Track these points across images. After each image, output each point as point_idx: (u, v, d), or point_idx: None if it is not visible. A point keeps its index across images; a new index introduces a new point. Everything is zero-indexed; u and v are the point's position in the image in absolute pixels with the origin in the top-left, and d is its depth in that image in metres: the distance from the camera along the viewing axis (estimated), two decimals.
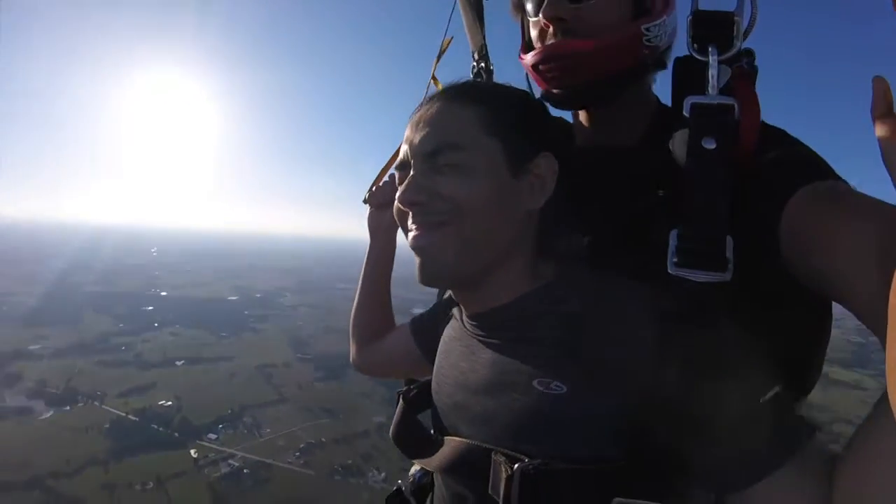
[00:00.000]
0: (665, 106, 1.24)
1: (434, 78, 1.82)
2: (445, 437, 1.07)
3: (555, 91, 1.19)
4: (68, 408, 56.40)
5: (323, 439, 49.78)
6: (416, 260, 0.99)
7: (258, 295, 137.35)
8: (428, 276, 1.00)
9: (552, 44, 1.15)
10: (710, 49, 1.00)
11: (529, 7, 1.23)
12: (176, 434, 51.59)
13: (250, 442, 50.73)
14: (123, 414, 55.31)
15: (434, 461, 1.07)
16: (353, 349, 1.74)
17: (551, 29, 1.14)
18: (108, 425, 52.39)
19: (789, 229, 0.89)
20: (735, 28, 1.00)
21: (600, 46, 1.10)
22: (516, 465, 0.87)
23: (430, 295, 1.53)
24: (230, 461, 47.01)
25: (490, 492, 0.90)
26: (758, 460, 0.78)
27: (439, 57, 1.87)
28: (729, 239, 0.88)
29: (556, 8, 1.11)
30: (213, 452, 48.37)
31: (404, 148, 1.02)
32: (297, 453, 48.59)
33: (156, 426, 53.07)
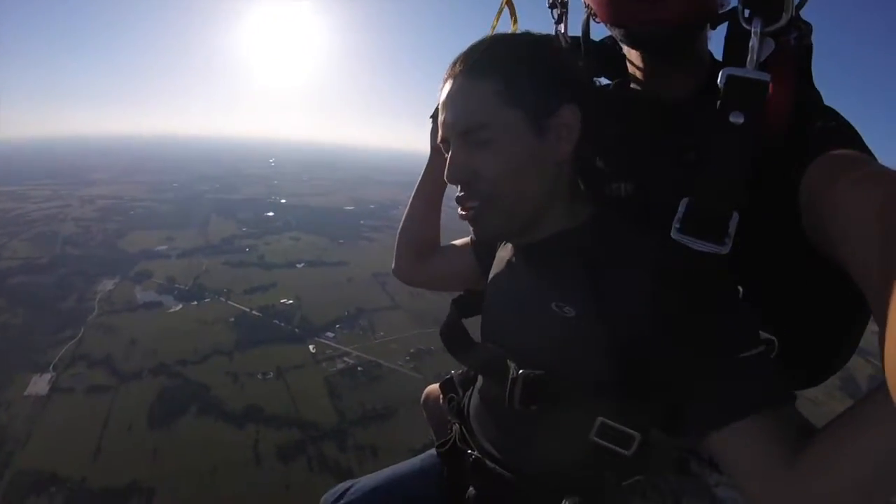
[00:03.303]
0: (719, 64, 1.22)
1: (509, 2, 1.90)
2: (481, 343, 1.35)
3: (634, 29, 1.19)
4: (196, 302, 61.84)
5: (432, 347, 51.27)
6: (469, 224, 1.20)
7: (372, 206, 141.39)
8: (481, 239, 1.33)
9: None
10: (753, 21, 0.99)
11: None
12: (296, 330, 55.59)
13: (364, 342, 53.89)
14: (248, 310, 59.96)
15: (468, 360, 1.38)
16: (400, 260, 1.87)
17: None
18: (233, 319, 57.15)
19: (808, 194, 0.94)
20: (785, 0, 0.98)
21: None
22: (521, 371, 1.12)
23: None
24: (345, 358, 50.36)
25: (503, 390, 1.16)
26: (725, 408, 0.90)
27: None
28: (735, 214, 0.94)
29: None
30: (329, 349, 51.93)
31: (439, 121, 1.18)
32: (408, 357, 51.14)
33: (277, 322, 57.30)
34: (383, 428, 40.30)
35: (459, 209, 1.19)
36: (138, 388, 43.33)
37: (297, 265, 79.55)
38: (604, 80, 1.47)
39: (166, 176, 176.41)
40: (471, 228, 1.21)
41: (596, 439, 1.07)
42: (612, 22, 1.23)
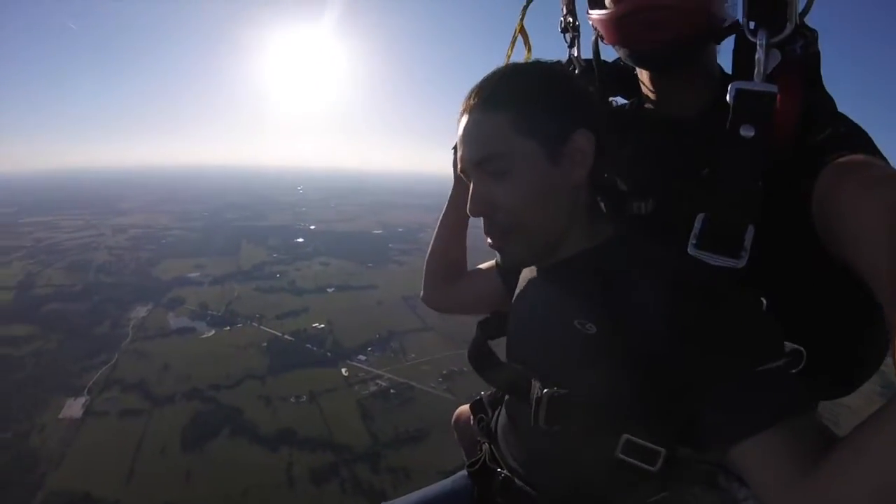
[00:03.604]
0: (728, 77, 1.29)
1: (522, 30, 1.91)
2: (507, 363, 1.39)
3: (636, 49, 1.28)
4: (228, 328, 62.69)
5: (465, 368, 50.31)
6: (497, 257, 1.33)
7: (400, 230, 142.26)
8: (508, 266, 1.46)
9: (625, 3, 1.20)
10: (758, 33, 1.03)
11: None
12: (328, 354, 56.01)
13: (396, 365, 54.05)
14: (280, 334, 60.61)
15: (494, 380, 1.40)
16: (428, 287, 1.92)
17: None
18: (265, 344, 57.76)
19: (819, 200, 0.95)
20: (788, 9, 1.00)
21: (685, 4, 1.14)
22: (545, 391, 1.13)
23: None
24: (377, 381, 50.52)
25: (528, 411, 1.18)
26: (744, 420, 0.90)
27: (525, 8, 1.90)
28: (750, 228, 0.97)
29: None
30: (362, 372, 52.12)
31: (460, 158, 1.20)
32: (440, 379, 51.07)
33: (310, 346, 57.90)
34: (416, 450, 40.16)
35: (487, 238, 1.21)
36: (172, 411, 43.83)
37: (328, 290, 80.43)
38: (620, 100, 1.56)
39: (196, 205, 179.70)
40: (498, 259, 1.34)
41: (621, 456, 1.06)
42: (616, 43, 1.31)
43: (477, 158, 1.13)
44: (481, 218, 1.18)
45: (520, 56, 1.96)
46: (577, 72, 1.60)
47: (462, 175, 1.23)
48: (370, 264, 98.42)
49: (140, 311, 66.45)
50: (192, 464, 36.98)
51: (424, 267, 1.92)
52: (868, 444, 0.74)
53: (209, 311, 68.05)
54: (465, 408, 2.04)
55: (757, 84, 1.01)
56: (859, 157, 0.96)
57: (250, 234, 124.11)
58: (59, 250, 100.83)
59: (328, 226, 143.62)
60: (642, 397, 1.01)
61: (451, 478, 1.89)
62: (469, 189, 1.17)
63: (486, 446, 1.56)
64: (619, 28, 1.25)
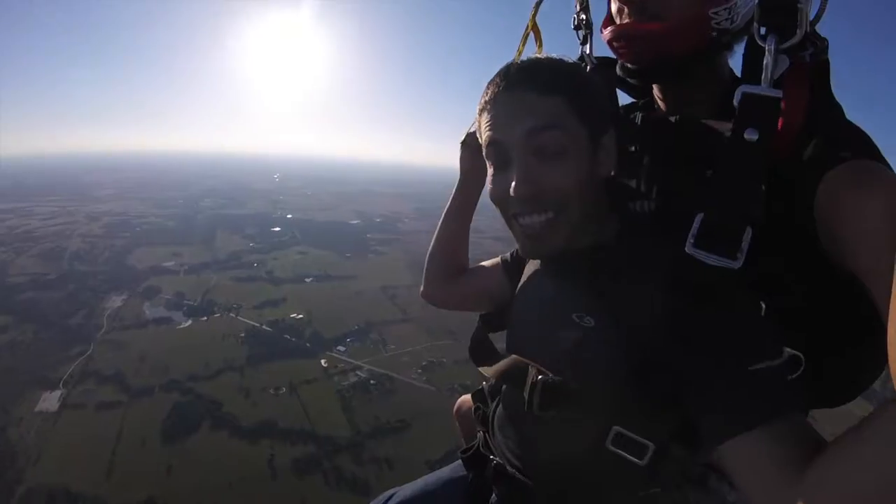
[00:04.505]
0: (738, 80, 1.26)
1: (535, 26, 1.88)
2: (506, 354, 1.41)
3: (628, 65, 1.32)
4: (205, 318, 62.33)
5: (444, 359, 52.15)
6: (524, 241, 1.23)
7: (378, 219, 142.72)
8: (534, 254, 1.35)
9: (623, 24, 1.25)
10: (768, 39, 1.03)
11: None
12: (307, 344, 55.98)
13: (376, 356, 54.23)
14: (258, 325, 60.39)
15: (492, 370, 1.42)
16: (430, 283, 1.92)
17: (626, 9, 1.23)
18: (243, 334, 57.55)
19: (823, 203, 0.97)
20: (799, 16, 1.00)
21: (667, 29, 1.16)
22: (540, 377, 1.18)
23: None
24: (357, 372, 50.63)
25: (523, 395, 1.22)
26: (733, 419, 0.90)
27: (538, 5, 1.86)
28: (748, 230, 0.97)
29: None
30: (341, 363, 52.19)
31: (496, 133, 1.16)
32: (420, 370, 51.36)
33: (288, 336, 57.76)
34: (398, 440, 40.47)
35: (524, 219, 1.18)
36: (150, 404, 43.41)
37: (306, 280, 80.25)
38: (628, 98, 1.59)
39: (172, 192, 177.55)
40: (523, 244, 1.24)
41: (611, 447, 1.09)
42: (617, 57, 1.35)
43: (532, 125, 1.10)
44: (501, 206, 1.20)
45: (531, 53, 1.87)
46: (588, 69, 1.59)
47: (492, 159, 1.21)
48: (348, 254, 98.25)
49: (115, 301, 65.73)
50: (173, 457, 36.68)
51: (426, 263, 1.92)
52: (856, 451, 0.72)
53: (186, 301, 67.48)
54: (466, 397, 2.09)
55: (763, 88, 1.01)
56: (863, 162, 0.97)
57: (227, 222, 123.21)
58: (32, 238, 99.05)
59: (306, 214, 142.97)
60: (635, 392, 1.03)
61: (451, 465, 1.89)
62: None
63: (480, 434, 1.61)
64: (612, 48, 1.30)
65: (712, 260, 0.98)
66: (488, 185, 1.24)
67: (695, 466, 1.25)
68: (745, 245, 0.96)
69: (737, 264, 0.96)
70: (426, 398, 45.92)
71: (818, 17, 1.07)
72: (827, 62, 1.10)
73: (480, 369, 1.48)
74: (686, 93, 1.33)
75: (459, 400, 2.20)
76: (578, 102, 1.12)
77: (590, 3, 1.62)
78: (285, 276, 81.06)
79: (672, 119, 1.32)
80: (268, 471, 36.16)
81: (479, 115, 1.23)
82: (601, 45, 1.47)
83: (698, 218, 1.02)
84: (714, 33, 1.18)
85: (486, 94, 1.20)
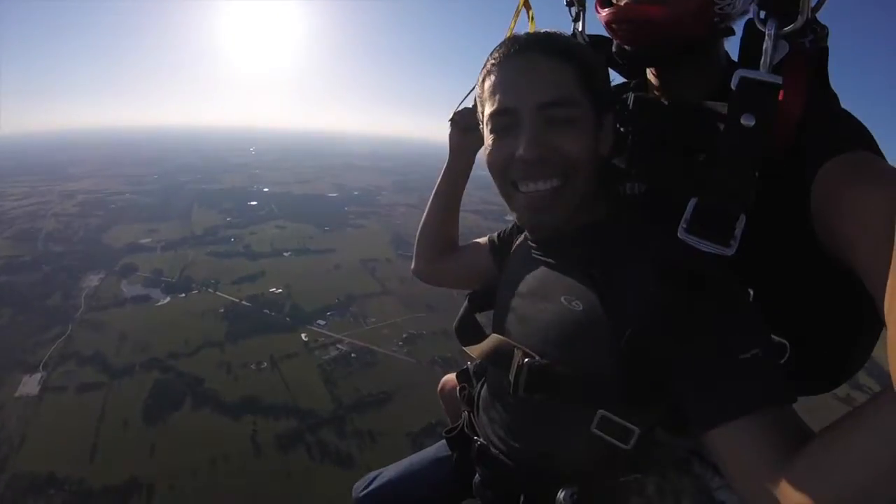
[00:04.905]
0: (735, 64, 1.26)
1: (526, 2, 1.86)
2: (492, 334, 1.41)
3: (626, 47, 1.26)
4: (184, 295, 62.05)
5: (424, 331, 52.56)
6: (524, 212, 1.19)
7: (356, 192, 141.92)
8: (534, 225, 1.26)
9: (624, 7, 1.20)
10: (768, 23, 1.01)
11: None
12: (287, 319, 55.91)
13: (356, 329, 54.30)
14: (237, 300, 60.19)
15: (476, 349, 1.41)
16: (421, 261, 1.93)
17: None
18: (222, 310, 57.35)
19: (818, 197, 0.95)
20: (801, 2, 0.98)
21: (669, 13, 1.12)
22: (526, 360, 1.17)
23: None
24: (338, 346, 50.78)
25: (508, 378, 1.21)
26: (721, 407, 0.91)
27: None
28: (742, 217, 0.97)
29: None
30: (322, 337, 52.30)
31: (506, 98, 1.12)
32: (400, 342, 51.62)
33: (268, 311, 57.61)
34: (380, 413, 40.65)
35: (528, 186, 1.15)
36: (131, 383, 43.18)
37: (285, 254, 79.84)
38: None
39: (146, 168, 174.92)
40: (522, 214, 1.21)
41: (596, 431, 1.09)
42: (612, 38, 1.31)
43: (547, 100, 1.08)
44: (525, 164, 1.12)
45: (522, 29, 1.85)
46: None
47: (496, 120, 1.17)
48: (327, 228, 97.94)
49: (92, 280, 64.97)
50: (156, 436, 36.67)
51: (416, 240, 1.93)
52: (850, 440, 0.73)
53: (163, 278, 67.05)
54: (451, 376, 2.11)
55: (762, 74, 0.99)
56: (860, 154, 0.96)
57: (202, 197, 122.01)
58: (5, 219, 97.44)
59: (283, 188, 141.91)
60: (622, 376, 1.03)
61: (436, 445, 1.94)
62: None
63: (465, 414, 1.63)
64: (608, 29, 1.27)
65: (705, 246, 0.98)
66: (486, 152, 1.22)
67: (679, 451, 1.29)
68: (738, 232, 0.96)
69: (730, 251, 0.96)
70: (407, 370, 46.27)
71: (819, 4, 1.02)
72: (826, 50, 1.09)
73: (466, 349, 1.47)
74: (681, 76, 1.31)
75: (444, 378, 2.22)
76: (587, 77, 1.11)
77: None
78: (263, 250, 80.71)
79: (666, 102, 1.32)
80: (251, 446, 36.25)
81: (484, 79, 1.20)
82: (592, 22, 1.46)
83: (691, 203, 1.02)
84: (717, 19, 1.16)
85: (493, 58, 1.18)
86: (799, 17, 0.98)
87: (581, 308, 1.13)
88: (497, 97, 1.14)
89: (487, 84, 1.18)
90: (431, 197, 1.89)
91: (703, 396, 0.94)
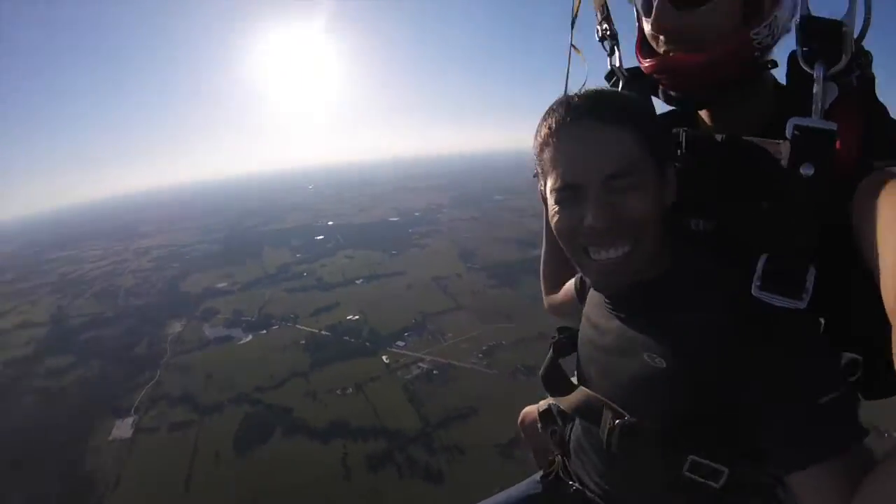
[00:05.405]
0: (783, 89, 1.29)
1: (574, 46, 1.87)
2: (579, 386, 1.48)
3: (671, 94, 1.31)
4: (265, 331, 63.58)
5: (502, 342, 52.36)
6: (597, 277, 1.24)
7: (417, 213, 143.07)
8: (608, 289, 1.33)
9: (662, 59, 1.25)
10: (815, 66, 1.01)
11: (639, 5, 1.32)
12: (367, 343, 56.63)
13: (435, 346, 54.54)
14: (316, 331, 61.37)
15: (565, 402, 1.48)
16: (545, 296, 2.06)
17: (663, 37, 1.24)
18: (303, 341, 58.60)
19: (857, 207, 0.96)
20: (844, 41, 0.98)
21: (710, 59, 1.15)
22: (617, 422, 1.24)
23: None
24: (419, 364, 51.13)
25: (601, 434, 1.29)
26: (805, 451, 0.96)
27: (574, 21, 1.82)
28: (811, 269, 1.00)
29: (663, 19, 1.19)
30: (402, 357, 52.80)
31: (569, 173, 1.13)
32: (480, 355, 51.36)
33: (347, 338, 58.53)
34: (466, 427, 40.53)
35: (600, 254, 1.17)
36: (220, 419, 44.67)
37: (356, 282, 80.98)
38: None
39: (212, 218, 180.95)
40: (596, 280, 1.26)
41: (688, 474, 1.16)
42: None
43: (611, 172, 1.09)
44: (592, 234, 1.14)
45: (576, 70, 1.88)
46: (622, 83, 1.57)
47: (560, 193, 1.17)
48: (394, 251, 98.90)
49: (175, 327, 67.49)
50: (248, 467, 37.70)
51: (541, 279, 2.07)
52: (887, 485, 0.81)
53: (243, 318, 68.90)
54: (531, 409, 2.18)
55: (816, 121, 0.99)
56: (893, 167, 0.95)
57: (270, 238, 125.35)
58: (85, 280, 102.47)
59: (345, 219, 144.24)
60: (709, 424, 1.11)
61: (526, 482, 1.99)
62: (591, 202, 1.10)
63: (559, 458, 1.74)
64: (653, 77, 1.31)
65: (778, 301, 1.01)
66: (552, 217, 1.22)
67: (763, 477, 1.29)
68: (809, 285, 0.99)
69: (802, 304, 0.99)
70: (489, 382, 46.08)
71: (863, 33, 1.02)
72: (873, 77, 1.07)
73: (555, 399, 1.56)
74: (731, 110, 1.31)
75: (524, 411, 2.28)
76: (646, 134, 1.12)
77: (611, 12, 1.60)
78: (335, 280, 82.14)
79: (718, 139, 1.28)
80: (342, 469, 36.81)
81: (541, 150, 1.21)
82: (627, 51, 1.52)
83: (762, 260, 1.04)
84: (757, 53, 1.17)
85: (547, 125, 1.18)
86: (843, 56, 0.99)
87: (664, 366, 1.18)
88: (559, 171, 1.15)
89: (546, 156, 1.19)
90: (543, 239, 1.95)
91: (785, 442, 0.99)
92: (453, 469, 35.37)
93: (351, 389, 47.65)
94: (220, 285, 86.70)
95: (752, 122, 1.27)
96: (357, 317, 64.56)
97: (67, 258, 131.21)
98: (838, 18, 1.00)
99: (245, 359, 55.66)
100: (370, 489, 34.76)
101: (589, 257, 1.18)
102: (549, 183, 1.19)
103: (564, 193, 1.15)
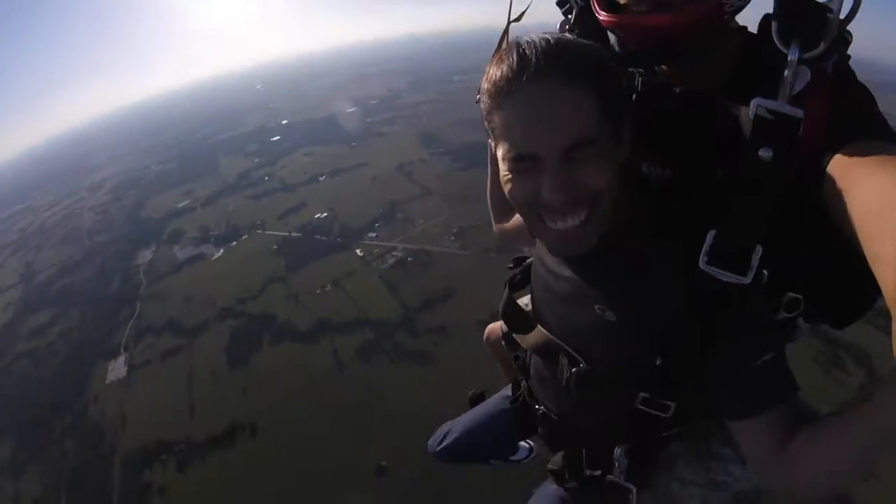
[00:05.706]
0: (752, 41, 1.18)
1: None
2: (537, 326, 1.52)
3: (630, 48, 1.20)
4: (235, 243, 64.41)
5: (473, 223, 53.13)
6: (556, 243, 1.19)
7: (374, 101, 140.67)
8: (566, 254, 1.34)
9: (623, 18, 1.14)
10: (791, 46, 0.94)
11: None
12: (339, 239, 57.56)
13: (407, 234, 55.69)
14: (287, 233, 62.19)
15: (525, 341, 1.56)
16: (494, 219, 2.03)
17: None
18: (275, 246, 59.51)
19: (830, 180, 0.94)
20: (826, 25, 0.91)
21: (677, 22, 1.06)
22: (573, 369, 1.33)
23: None
24: (393, 253, 52.31)
25: (558, 377, 1.40)
26: (744, 405, 1.12)
27: None
28: (758, 248, 1.00)
29: None
30: (376, 248, 53.82)
31: (524, 142, 1.04)
32: (452, 238, 52.71)
33: (319, 236, 59.34)
34: (447, 308, 42.12)
35: (557, 223, 1.12)
36: (208, 338, 45.86)
37: (320, 178, 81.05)
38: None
39: (161, 136, 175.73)
40: (553, 246, 1.25)
41: (640, 407, 1.27)
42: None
43: (570, 143, 1.01)
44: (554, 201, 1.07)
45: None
46: (575, 12, 1.47)
47: (516, 160, 1.08)
48: (354, 143, 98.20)
49: (145, 255, 67.88)
50: (245, 378, 39.06)
51: (488, 202, 2.03)
52: (846, 420, 0.94)
53: (211, 233, 69.35)
54: (494, 327, 2.41)
55: (782, 105, 0.93)
56: (881, 142, 0.94)
57: (225, 146, 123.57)
58: (45, 230, 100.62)
59: (301, 115, 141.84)
60: (658, 373, 1.19)
61: (493, 401, 2.29)
62: (548, 176, 1.04)
63: (524, 383, 1.86)
64: (609, 31, 1.23)
65: (725, 277, 1.03)
66: (505, 184, 1.13)
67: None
68: (754, 263, 1.01)
69: (747, 280, 1.01)
70: (464, 263, 47.33)
71: (848, 18, 0.92)
72: (848, 57, 1.05)
73: (514, 336, 1.63)
74: (694, 65, 1.22)
75: (487, 329, 2.52)
76: (605, 94, 1.04)
77: None
78: (298, 180, 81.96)
79: (677, 90, 1.24)
80: (335, 364, 38.21)
81: (491, 110, 1.09)
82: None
83: (711, 234, 1.04)
84: (727, 17, 1.12)
85: (496, 83, 1.06)
86: (822, 43, 0.93)
87: (614, 319, 1.24)
88: (513, 140, 1.06)
89: (497, 119, 1.08)
90: (489, 160, 1.79)
91: (728, 395, 1.15)
92: (440, 349, 36.98)
93: (329, 287, 48.82)
94: (182, 204, 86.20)
95: (710, 76, 1.21)
96: (325, 214, 65.07)
97: (21, 212, 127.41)
98: (824, 1, 0.92)
99: (220, 274, 56.36)
100: (365, 378, 36.21)
101: (545, 224, 1.14)
102: (502, 150, 1.10)
103: (519, 164, 1.07)
